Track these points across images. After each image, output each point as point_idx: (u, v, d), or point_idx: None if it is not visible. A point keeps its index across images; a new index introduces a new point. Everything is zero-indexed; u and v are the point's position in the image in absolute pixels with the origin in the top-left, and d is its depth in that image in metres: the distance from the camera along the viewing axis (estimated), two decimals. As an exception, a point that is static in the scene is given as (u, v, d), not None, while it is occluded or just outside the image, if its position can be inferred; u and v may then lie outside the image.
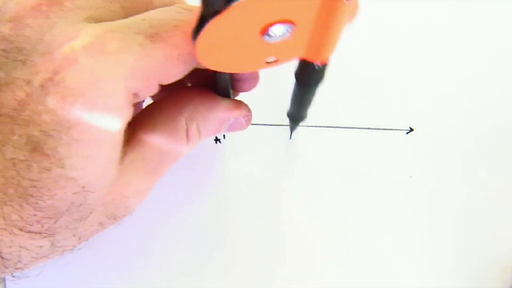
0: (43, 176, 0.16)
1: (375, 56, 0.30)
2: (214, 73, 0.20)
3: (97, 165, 0.17)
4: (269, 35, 0.16)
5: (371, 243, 0.28)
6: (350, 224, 0.28)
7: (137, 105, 0.19)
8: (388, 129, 0.29)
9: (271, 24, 0.16)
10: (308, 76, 0.20)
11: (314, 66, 0.18)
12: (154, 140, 0.19)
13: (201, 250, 0.28)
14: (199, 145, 0.22)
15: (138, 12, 0.18)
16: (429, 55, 0.30)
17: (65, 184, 0.17)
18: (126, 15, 0.18)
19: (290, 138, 0.29)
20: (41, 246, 0.18)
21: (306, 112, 0.24)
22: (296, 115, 0.25)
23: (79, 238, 0.19)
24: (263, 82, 0.30)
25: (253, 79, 0.23)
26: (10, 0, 0.17)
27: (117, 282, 0.27)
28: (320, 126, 0.29)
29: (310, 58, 0.18)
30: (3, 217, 0.16)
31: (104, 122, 0.16)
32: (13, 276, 0.19)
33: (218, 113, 0.22)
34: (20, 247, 0.17)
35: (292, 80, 0.20)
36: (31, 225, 0.17)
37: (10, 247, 0.17)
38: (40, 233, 0.17)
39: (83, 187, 0.17)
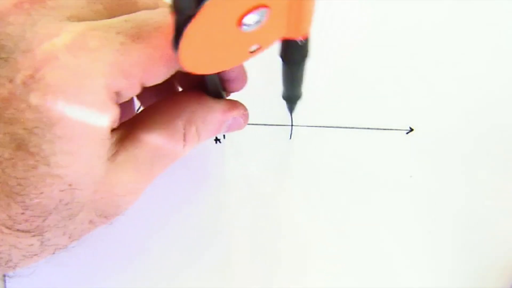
0: (29, 174, 0.16)
1: (375, 56, 0.30)
2: (203, 76, 0.20)
3: (83, 162, 0.17)
4: (246, 25, 0.16)
5: (371, 243, 0.28)
6: (350, 224, 0.28)
7: (126, 106, 0.19)
8: (388, 129, 0.29)
9: (247, 14, 0.16)
10: (294, 53, 0.20)
11: (297, 43, 0.19)
12: (149, 141, 0.19)
13: (200, 250, 0.28)
14: (199, 144, 0.22)
15: (122, 14, 0.18)
16: (429, 55, 0.30)
17: (52, 182, 0.17)
18: (109, 16, 0.18)
19: (290, 138, 0.29)
20: (31, 245, 0.18)
21: (300, 90, 0.25)
22: (291, 96, 0.25)
23: (70, 237, 0.19)
24: (263, 82, 0.30)
25: (242, 77, 0.23)
26: None
27: (118, 282, 0.27)
28: (320, 126, 0.29)
29: (291, 36, 0.18)
30: None
31: (86, 118, 0.16)
32: (8, 276, 0.20)
33: (216, 114, 0.22)
34: (10, 245, 0.18)
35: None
36: (20, 224, 0.17)
37: (0, 246, 0.17)
38: (29, 231, 0.17)
39: (69, 185, 0.17)
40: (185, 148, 0.21)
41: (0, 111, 0.16)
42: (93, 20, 0.17)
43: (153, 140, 0.20)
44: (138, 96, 0.25)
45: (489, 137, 0.29)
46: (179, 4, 0.15)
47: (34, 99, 0.16)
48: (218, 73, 0.21)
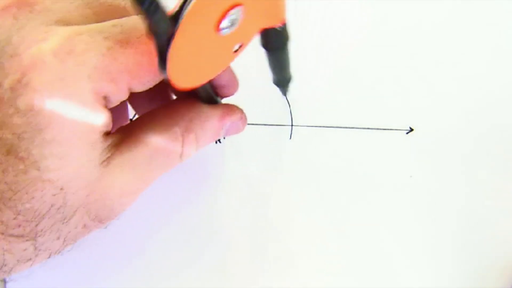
0: (19, 179, 0.16)
1: (375, 56, 0.30)
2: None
3: (74, 166, 0.17)
4: (224, 28, 0.16)
5: (371, 243, 0.28)
6: (350, 224, 0.28)
7: (119, 112, 0.19)
8: (388, 129, 0.29)
9: (222, 18, 0.16)
10: (275, 40, 0.20)
11: (277, 29, 0.19)
12: (145, 147, 0.19)
13: (200, 250, 0.28)
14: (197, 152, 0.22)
15: (110, 19, 0.18)
16: (429, 55, 0.30)
17: (43, 186, 0.17)
18: (98, 21, 0.18)
19: (290, 138, 0.29)
20: (25, 250, 0.18)
21: (289, 73, 0.25)
22: (281, 80, 0.26)
23: (64, 241, 0.19)
24: (263, 83, 0.30)
25: (233, 82, 0.23)
26: None
27: (118, 281, 0.27)
28: (320, 126, 0.29)
29: (269, 25, 0.19)
30: None
31: (74, 122, 0.16)
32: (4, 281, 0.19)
33: (214, 121, 0.22)
34: (4, 250, 0.18)
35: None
36: (13, 229, 0.17)
37: None
38: (22, 236, 0.17)
39: (61, 189, 0.17)
40: (182, 156, 0.21)
41: None
42: (82, 24, 0.17)
43: (149, 146, 0.19)
44: (132, 103, 0.25)
45: (489, 137, 0.29)
46: (156, 29, 0.15)
47: (22, 104, 0.16)
48: (209, 81, 0.21)
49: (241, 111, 0.24)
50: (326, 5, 0.30)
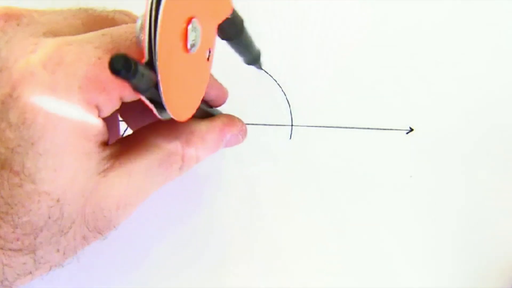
0: (15, 193, 0.16)
1: (375, 56, 0.30)
2: None
3: (69, 177, 0.17)
4: (192, 46, 0.17)
5: (371, 243, 0.28)
6: (350, 224, 0.28)
7: (110, 123, 0.19)
8: (388, 129, 0.29)
9: (186, 38, 0.16)
10: (232, 28, 0.21)
11: (229, 18, 0.20)
12: (145, 160, 0.19)
13: (200, 250, 0.28)
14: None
15: (99, 29, 0.18)
16: (429, 55, 0.30)
17: (39, 199, 0.17)
18: (87, 31, 0.18)
19: (290, 138, 0.29)
20: (24, 263, 0.18)
21: (256, 49, 0.26)
22: (251, 58, 0.26)
23: (64, 253, 0.19)
24: (263, 83, 0.30)
25: (222, 93, 0.24)
26: None
27: (118, 281, 0.27)
28: (320, 126, 0.29)
29: (222, 18, 0.19)
30: None
31: (67, 133, 0.16)
32: None
33: (215, 134, 0.22)
34: (4, 265, 0.17)
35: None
36: (11, 243, 0.17)
37: None
38: (21, 250, 0.17)
39: (57, 200, 0.17)
40: (182, 169, 0.21)
41: None
42: (70, 34, 0.17)
43: (149, 159, 0.19)
44: (124, 116, 0.25)
45: (489, 137, 0.29)
46: (141, 87, 0.15)
47: (13, 117, 0.16)
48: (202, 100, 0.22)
49: (242, 122, 0.24)
50: (326, 5, 0.30)
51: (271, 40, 0.30)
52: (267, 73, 0.30)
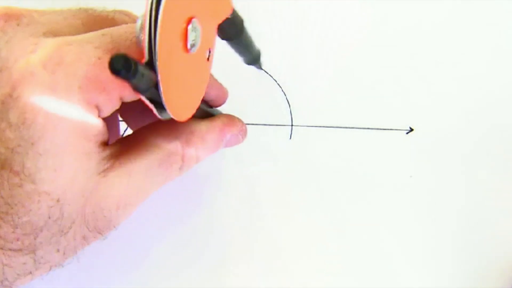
0: (15, 193, 0.16)
1: (375, 56, 0.30)
2: None
3: (69, 177, 0.17)
4: (192, 46, 0.17)
5: (371, 243, 0.28)
6: (350, 224, 0.28)
7: (110, 123, 0.19)
8: (388, 129, 0.29)
9: (186, 38, 0.16)
10: (233, 28, 0.21)
11: (229, 18, 0.20)
12: (145, 160, 0.19)
13: (200, 250, 0.28)
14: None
15: (99, 29, 0.18)
16: (429, 55, 0.30)
17: (39, 199, 0.17)
18: (87, 31, 0.18)
19: (290, 138, 0.29)
20: (24, 263, 0.18)
21: (256, 49, 0.26)
22: (252, 58, 0.26)
23: (64, 253, 0.19)
24: (263, 83, 0.30)
25: (222, 93, 0.24)
26: None
27: (119, 281, 0.27)
28: (320, 126, 0.29)
29: (222, 18, 0.19)
30: None
31: (67, 133, 0.16)
32: None
33: (215, 134, 0.22)
34: (3, 265, 0.17)
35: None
36: (11, 243, 0.17)
37: None
38: (21, 250, 0.17)
39: (57, 200, 0.17)
40: (182, 169, 0.21)
41: None
42: (70, 34, 0.17)
43: (149, 159, 0.19)
44: (124, 116, 0.25)
45: (489, 137, 0.29)
46: (141, 87, 0.15)
47: (13, 117, 0.16)
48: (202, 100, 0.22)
49: (242, 123, 0.24)
50: (326, 5, 0.30)
51: (271, 40, 0.30)
52: (267, 73, 0.30)
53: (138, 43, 0.16)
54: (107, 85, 0.17)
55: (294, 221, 0.28)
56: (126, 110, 0.21)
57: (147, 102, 0.16)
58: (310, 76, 0.30)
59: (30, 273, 0.19)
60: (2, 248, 0.17)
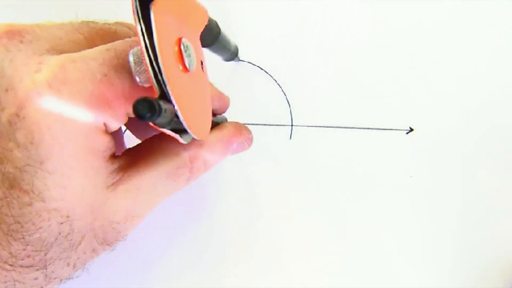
0: (25, 211, 0.16)
1: (375, 56, 0.30)
2: None
3: (78, 193, 0.17)
4: (190, 65, 0.17)
5: (371, 243, 0.28)
6: (350, 224, 0.28)
7: (116, 132, 0.19)
8: (388, 129, 0.29)
9: (183, 59, 0.17)
10: (211, 34, 0.22)
11: (207, 26, 0.21)
12: (153, 173, 0.19)
13: (200, 250, 0.28)
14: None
15: (102, 43, 0.18)
16: (429, 55, 0.30)
17: (49, 216, 0.17)
18: (90, 46, 0.18)
19: (290, 138, 0.29)
20: (35, 278, 0.18)
21: (234, 47, 0.27)
22: (231, 54, 0.27)
23: (74, 266, 0.19)
24: (264, 83, 0.30)
25: (224, 103, 0.24)
26: None
27: (117, 280, 0.27)
28: (320, 126, 0.29)
29: (201, 28, 0.20)
30: None
31: (75, 151, 0.16)
32: None
33: (223, 144, 0.22)
34: (15, 281, 0.17)
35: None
36: (22, 260, 0.17)
37: (5, 282, 0.17)
38: (32, 266, 0.17)
39: (67, 217, 0.17)
40: (189, 180, 0.21)
41: None
42: (74, 50, 0.17)
43: (158, 171, 0.19)
44: (130, 128, 0.25)
45: (489, 137, 0.29)
46: (164, 123, 0.15)
47: (21, 137, 0.16)
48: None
49: (249, 131, 0.24)
50: (326, 5, 0.30)
51: (271, 40, 0.30)
52: (267, 73, 0.30)
53: (133, 74, 0.16)
54: (113, 102, 0.17)
55: (294, 221, 0.28)
56: (133, 122, 0.21)
57: (170, 133, 0.16)
58: (310, 76, 0.30)
59: (41, 287, 0.19)
60: (13, 265, 0.17)
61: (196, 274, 0.27)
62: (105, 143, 0.17)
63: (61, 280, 0.19)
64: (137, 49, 0.16)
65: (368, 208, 0.28)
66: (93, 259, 0.20)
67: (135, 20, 0.15)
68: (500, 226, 0.28)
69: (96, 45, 0.18)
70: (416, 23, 0.30)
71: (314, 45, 0.30)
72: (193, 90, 0.18)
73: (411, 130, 0.29)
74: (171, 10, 0.16)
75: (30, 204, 0.16)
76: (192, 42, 0.18)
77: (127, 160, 0.19)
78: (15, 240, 0.17)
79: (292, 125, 0.29)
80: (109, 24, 0.19)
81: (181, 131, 0.17)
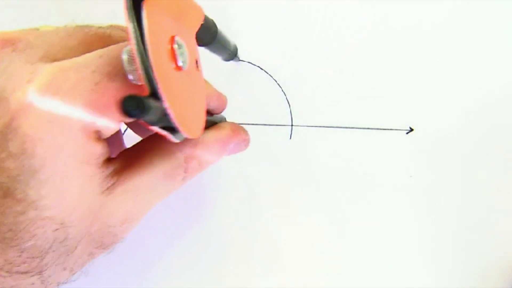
0: (19, 220, 0.16)
1: (375, 56, 0.30)
2: None
3: (72, 201, 0.17)
4: (183, 63, 0.17)
5: (371, 243, 0.28)
6: (350, 224, 0.28)
7: (114, 139, 0.19)
8: (388, 129, 0.29)
9: (175, 57, 0.17)
10: (208, 33, 0.22)
11: (203, 25, 0.20)
12: (148, 174, 0.19)
13: (200, 250, 0.28)
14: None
15: (97, 48, 0.18)
16: (429, 55, 0.30)
17: (43, 224, 0.17)
18: (84, 51, 0.17)
19: (290, 138, 0.29)
20: (32, 284, 0.18)
21: (232, 47, 0.27)
22: (230, 54, 0.27)
23: (71, 270, 0.19)
24: (264, 84, 0.30)
25: (222, 102, 0.24)
26: None
27: (117, 280, 0.27)
28: (320, 126, 0.29)
29: (197, 27, 0.20)
30: None
31: (67, 161, 0.16)
32: None
33: (218, 145, 0.22)
34: (11, 286, 0.18)
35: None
36: (18, 266, 0.17)
37: None
38: (28, 272, 0.17)
39: (61, 224, 0.17)
40: (185, 180, 0.21)
41: None
42: (68, 56, 0.17)
43: (153, 173, 0.19)
44: (131, 126, 0.25)
45: (489, 137, 0.29)
46: (153, 121, 0.15)
47: (13, 147, 0.16)
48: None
49: (246, 132, 0.24)
50: (326, 5, 0.30)
51: (271, 40, 0.30)
52: (267, 73, 0.30)
53: (126, 72, 0.16)
54: (107, 110, 0.17)
55: (294, 221, 0.28)
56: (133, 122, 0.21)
57: (161, 131, 0.16)
58: (310, 76, 0.30)
59: None
60: (9, 272, 0.17)
61: (196, 274, 0.27)
62: (98, 151, 0.17)
63: (58, 284, 0.19)
64: (131, 47, 0.16)
65: (368, 208, 0.28)
66: (90, 261, 0.20)
67: (126, 18, 0.15)
68: (500, 226, 0.28)
69: (91, 50, 0.17)
70: (416, 23, 0.30)
71: (314, 45, 0.30)
72: (186, 88, 0.17)
73: (411, 130, 0.29)
74: (164, 8, 0.16)
75: (23, 213, 0.16)
76: (186, 41, 0.18)
77: (122, 163, 0.19)
78: (10, 247, 0.17)
79: (292, 125, 0.29)
80: (103, 28, 0.19)
81: (174, 129, 0.17)
